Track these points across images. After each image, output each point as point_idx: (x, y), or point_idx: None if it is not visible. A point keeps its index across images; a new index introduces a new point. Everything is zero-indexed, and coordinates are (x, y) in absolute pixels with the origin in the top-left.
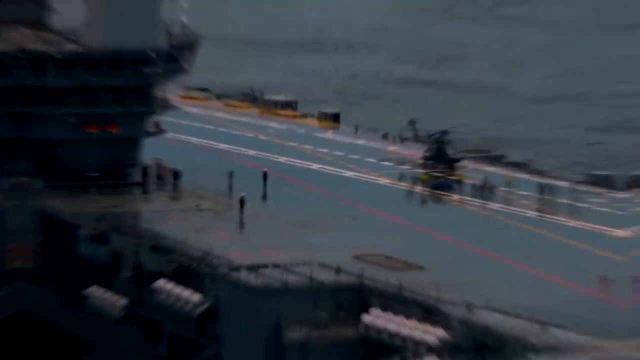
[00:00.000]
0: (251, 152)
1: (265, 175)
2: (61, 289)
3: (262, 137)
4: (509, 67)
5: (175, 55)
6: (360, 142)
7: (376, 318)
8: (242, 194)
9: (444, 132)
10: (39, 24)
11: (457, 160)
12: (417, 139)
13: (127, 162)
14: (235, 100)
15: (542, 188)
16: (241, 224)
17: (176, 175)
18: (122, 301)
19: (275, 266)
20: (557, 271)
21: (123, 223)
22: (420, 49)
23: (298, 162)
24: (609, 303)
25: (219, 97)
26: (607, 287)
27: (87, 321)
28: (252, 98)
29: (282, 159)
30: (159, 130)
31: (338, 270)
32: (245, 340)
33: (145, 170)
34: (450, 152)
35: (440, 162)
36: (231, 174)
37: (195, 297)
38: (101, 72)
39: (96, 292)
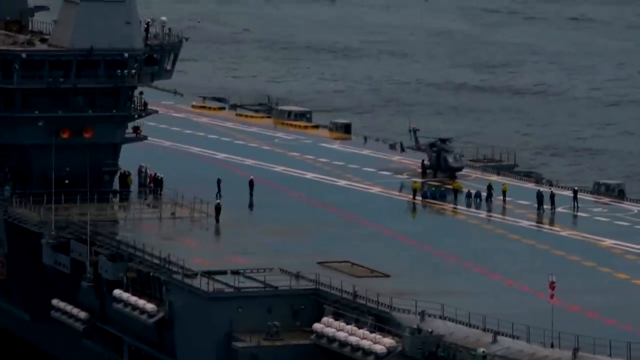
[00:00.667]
0: (249, 162)
1: (251, 184)
2: (27, 301)
3: (265, 147)
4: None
5: (156, 57)
6: (366, 152)
7: (327, 326)
8: (218, 201)
9: (443, 140)
10: (17, 24)
11: (458, 168)
12: (418, 147)
13: (103, 169)
14: (250, 110)
15: (540, 197)
16: (217, 232)
17: (158, 182)
18: (84, 313)
19: (234, 272)
20: (531, 281)
21: (84, 231)
22: (480, 52)
23: (294, 172)
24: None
25: (234, 107)
26: (555, 293)
27: (53, 335)
28: (267, 108)
29: (280, 168)
30: (139, 136)
31: (297, 276)
32: (198, 349)
33: (124, 177)
34: (451, 160)
35: (440, 171)
36: (219, 181)
37: (150, 306)
38: (70, 73)
39: (60, 305)
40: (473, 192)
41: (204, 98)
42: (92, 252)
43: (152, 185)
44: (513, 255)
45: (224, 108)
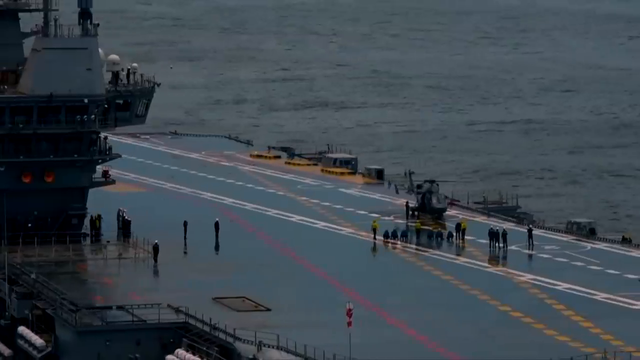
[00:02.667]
0: (249, 206)
1: (216, 226)
2: None
3: (280, 193)
4: None
5: (129, 102)
6: (377, 195)
7: (177, 357)
8: (156, 241)
9: (430, 182)
10: (13, 74)
11: (441, 209)
12: (411, 189)
13: (70, 212)
14: (305, 159)
15: (492, 235)
16: (155, 271)
17: (126, 225)
18: (8, 350)
19: (119, 307)
20: (403, 315)
21: (8, 271)
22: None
23: (284, 215)
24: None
25: (291, 155)
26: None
27: None
28: (319, 157)
29: (274, 211)
30: (108, 180)
31: (177, 310)
32: None
33: (92, 221)
34: (434, 201)
35: (426, 212)
36: (185, 224)
37: (40, 342)
38: (32, 119)
39: None
40: (435, 231)
41: (270, 148)
42: (8, 291)
43: (121, 227)
44: (416, 292)
45: (279, 157)
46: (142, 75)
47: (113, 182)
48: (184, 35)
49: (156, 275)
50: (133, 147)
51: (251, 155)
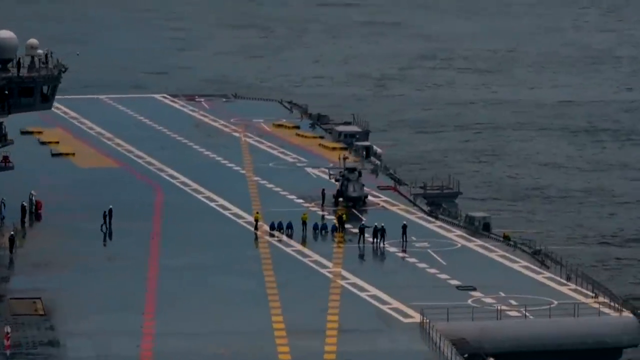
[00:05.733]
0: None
1: (109, 213)
2: None
3: (241, 171)
4: None
5: (32, 87)
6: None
7: None
8: (12, 232)
9: (351, 170)
10: None
11: (356, 198)
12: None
13: None
14: (325, 131)
15: (361, 230)
16: (10, 262)
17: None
18: None
19: None
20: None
21: None
22: None
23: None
24: None
25: (312, 126)
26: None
27: None
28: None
29: (201, 196)
30: (7, 166)
31: None
32: None
33: None
34: (350, 189)
35: (343, 200)
36: (109, 212)
37: None
38: None
39: None
40: (320, 224)
41: (302, 115)
42: None
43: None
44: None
45: (297, 127)
46: (58, 60)
47: (12, 167)
48: None
49: None
50: (163, 109)
51: (273, 125)
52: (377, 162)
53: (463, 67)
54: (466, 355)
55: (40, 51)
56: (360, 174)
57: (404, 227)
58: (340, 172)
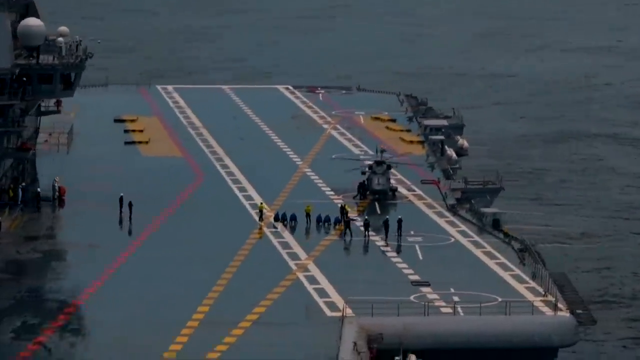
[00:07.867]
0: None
1: (121, 200)
2: None
3: (298, 161)
4: None
5: (51, 74)
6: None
7: None
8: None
9: (379, 163)
10: None
11: (380, 191)
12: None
13: None
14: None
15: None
16: None
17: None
18: None
19: None
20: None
21: None
22: None
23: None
24: None
25: (410, 119)
26: None
27: None
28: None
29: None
30: (25, 148)
31: None
32: None
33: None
34: (375, 182)
35: (369, 193)
36: (125, 201)
37: None
38: None
39: None
40: (323, 216)
41: (407, 108)
42: None
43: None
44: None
45: (394, 120)
46: (86, 48)
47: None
48: None
49: None
50: (275, 100)
51: (371, 118)
52: (454, 156)
53: None
54: (374, 347)
55: (61, 39)
56: (389, 167)
57: (399, 221)
58: (369, 165)
